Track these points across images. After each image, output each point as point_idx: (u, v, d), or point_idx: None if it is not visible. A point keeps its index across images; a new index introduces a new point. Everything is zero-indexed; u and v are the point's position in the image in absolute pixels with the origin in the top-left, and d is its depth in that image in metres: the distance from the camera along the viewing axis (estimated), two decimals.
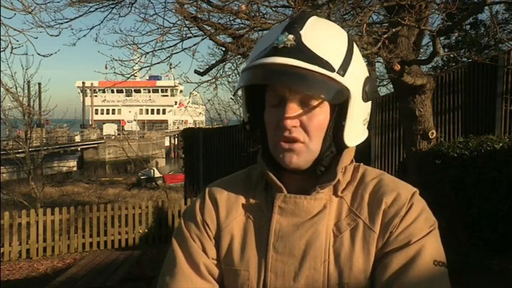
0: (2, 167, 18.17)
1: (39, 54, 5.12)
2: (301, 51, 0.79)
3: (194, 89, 7.15)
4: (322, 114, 0.83)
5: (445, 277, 0.80)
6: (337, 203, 0.87)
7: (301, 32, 0.81)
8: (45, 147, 16.36)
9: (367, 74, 0.88)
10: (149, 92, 65.52)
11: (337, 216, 0.85)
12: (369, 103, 0.89)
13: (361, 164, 0.93)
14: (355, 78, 0.83)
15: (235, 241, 0.89)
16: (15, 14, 4.25)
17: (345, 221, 0.85)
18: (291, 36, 0.80)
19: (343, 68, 0.81)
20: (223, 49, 5.69)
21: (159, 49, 5.73)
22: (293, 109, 0.81)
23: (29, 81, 13.84)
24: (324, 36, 0.83)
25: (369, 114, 0.91)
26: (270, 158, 0.88)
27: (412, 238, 0.80)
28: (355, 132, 0.86)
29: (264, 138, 0.89)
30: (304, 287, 0.82)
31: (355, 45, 0.87)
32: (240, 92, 0.92)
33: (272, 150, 0.87)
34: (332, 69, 0.80)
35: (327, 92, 0.79)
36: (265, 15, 5.21)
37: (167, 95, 65.38)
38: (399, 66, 4.78)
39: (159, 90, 65.52)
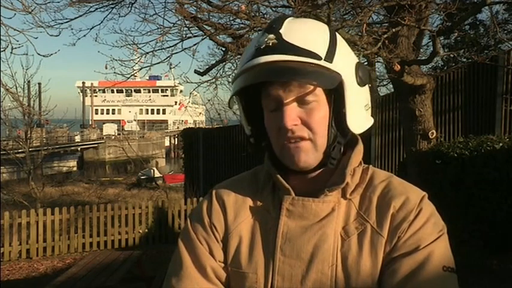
0: (2, 167, 18.16)
1: (39, 54, 5.15)
2: (285, 47, 0.79)
3: (194, 89, 7.20)
4: (320, 107, 0.82)
5: (454, 283, 0.79)
6: (345, 206, 0.86)
7: (280, 30, 0.81)
8: (45, 147, 16.31)
9: (357, 60, 0.87)
10: (149, 92, 65.52)
11: (345, 219, 0.85)
12: (367, 88, 0.88)
13: (370, 165, 0.92)
14: (345, 63, 0.83)
15: (243, 244, 0.88)
16: (15, 14, 4.27)
17: (353, 224, 0.84)
18: (271, 36, 0.80)
19: (330, 56, 0.81)
20: (223, 49, 5.70)
21: (159, 49, 5.75)
22: (291, 109, 0.81)
23: (29, 81, 13.82)
24: (303, 30, 0.83)
25: (369, 99, 0.90)
26: (276, 161, 0.88)
27: (421, 243, 0.80)
28: (359, 118, 0.86)
29: (269, 144, 0.89)
30: None
31: (337, 34, 0.86)
32: (236, 105, 0.91)
33: (278, 154, 0.86)
34: (319, 58, 0.79)
35: (318, 78, 0.78)
36: (265, 15, 5.22)
37: (167, 95, 65.38)
38: (399, 66, 4.77)
39: (159, 90, 65.52)
